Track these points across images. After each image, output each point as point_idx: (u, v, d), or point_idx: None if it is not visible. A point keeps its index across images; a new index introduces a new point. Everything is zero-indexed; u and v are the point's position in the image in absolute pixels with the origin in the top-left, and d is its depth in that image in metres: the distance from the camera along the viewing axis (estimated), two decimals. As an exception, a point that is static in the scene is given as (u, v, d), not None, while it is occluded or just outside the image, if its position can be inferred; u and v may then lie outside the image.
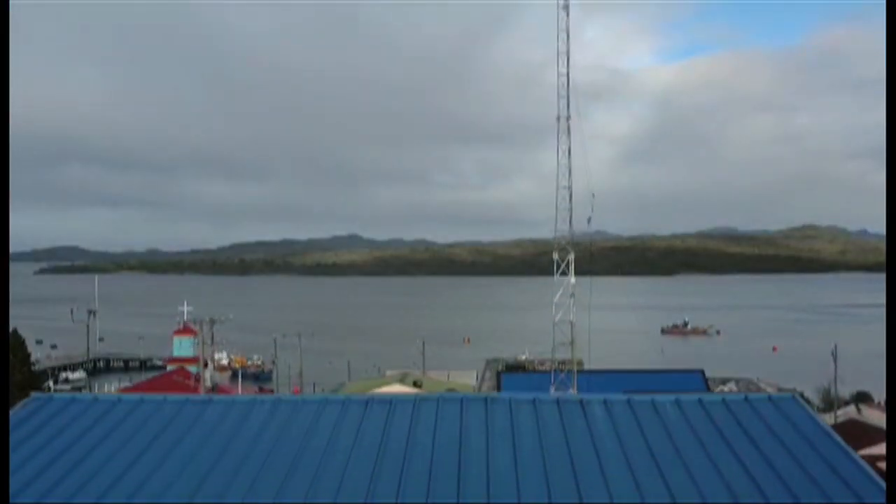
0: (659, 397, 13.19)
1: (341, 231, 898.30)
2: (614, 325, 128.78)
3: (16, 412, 13.26)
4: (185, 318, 56.95)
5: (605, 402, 13.12)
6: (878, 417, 49.97)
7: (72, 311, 66.60)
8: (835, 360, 63.73)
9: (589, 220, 44.64)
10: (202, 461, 11.66)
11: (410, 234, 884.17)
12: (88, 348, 52.49)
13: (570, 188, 42.91)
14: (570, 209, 43.83)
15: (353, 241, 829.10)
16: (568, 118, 43.02)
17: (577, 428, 12.36)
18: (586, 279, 47.05)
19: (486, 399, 13.41)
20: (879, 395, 68.14)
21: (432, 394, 14.05)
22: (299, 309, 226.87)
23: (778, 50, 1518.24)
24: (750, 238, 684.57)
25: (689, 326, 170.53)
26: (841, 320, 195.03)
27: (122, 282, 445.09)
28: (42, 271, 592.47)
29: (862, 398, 69.62)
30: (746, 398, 13.29)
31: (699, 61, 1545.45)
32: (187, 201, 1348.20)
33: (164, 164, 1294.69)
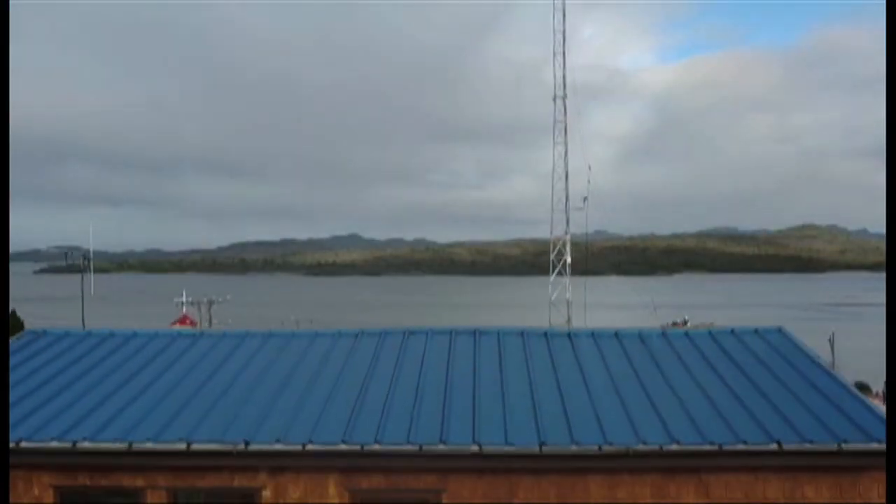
0: (646, 330, 13.45)
1: (341, 231, 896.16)
2: (613, 323, 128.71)
3: (11, 343, 13.42)
4: (185, 302, 57.01)
5: (592, 334, 13.41)
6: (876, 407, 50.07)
7: (66, 255, 64.97)
8: (832, 347, 63.83)
9: (585, 200, 44.83)
10: (187, 387, 11.81)
11: (410, 233, 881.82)
12: (83, 295, 50.98)
13: (566, 168, 43.19)
14: (566, 189, 44.11)
15: (352, 240, 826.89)
16: (564, 97, 43.33)
17: (565, 355, 12.62)
18: (584, 277, 47.16)
19: (475, 331, 13.66)
20: (877, 386, 68.15)
21: (422, 327, 14.24)
22: (299, 306, 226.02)
23: (778, 50, 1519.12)
24: (750, 238, 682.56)
25: (688, 325, 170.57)
26: (840, 318, 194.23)
27: (122, 281, 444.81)
28: (41, 271, 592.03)
29: (860, 388, 69.71)
30: (733, 331, 13.47)
31: (699, 61, 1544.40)
32: (187, 201, 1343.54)
33: (164, 164, 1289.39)
